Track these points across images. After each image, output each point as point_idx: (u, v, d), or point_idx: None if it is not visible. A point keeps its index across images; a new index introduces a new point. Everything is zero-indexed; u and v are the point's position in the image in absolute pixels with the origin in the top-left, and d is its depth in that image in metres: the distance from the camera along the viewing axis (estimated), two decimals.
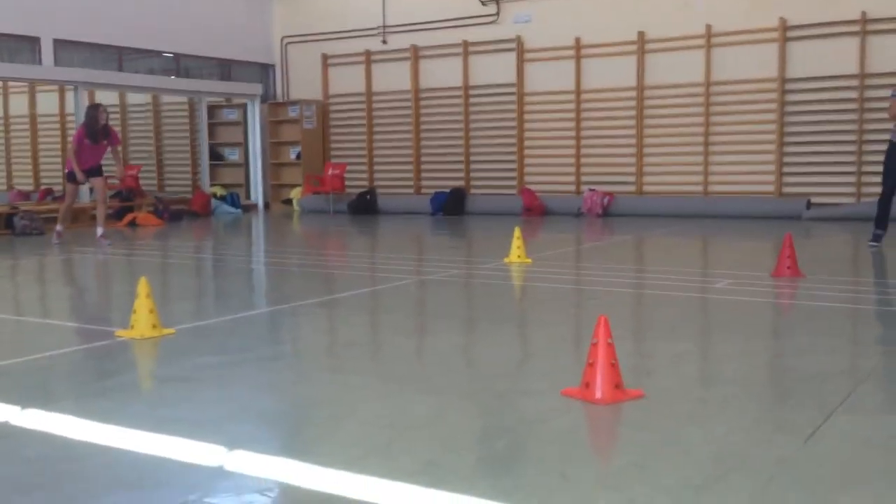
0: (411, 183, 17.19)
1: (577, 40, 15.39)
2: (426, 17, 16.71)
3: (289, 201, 17.96)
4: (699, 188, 14.74)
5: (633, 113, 15.12)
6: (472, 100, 16.54)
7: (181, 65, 17.41)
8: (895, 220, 10.08)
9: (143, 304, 5.23)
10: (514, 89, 16.04)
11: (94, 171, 11.31)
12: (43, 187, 17.50)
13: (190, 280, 8.70)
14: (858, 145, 13.52)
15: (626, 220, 13.96)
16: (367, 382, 4.26)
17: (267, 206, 18.19)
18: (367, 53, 17.44)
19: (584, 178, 15.59)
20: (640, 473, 2.95)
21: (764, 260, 8.72)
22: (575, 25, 15.39)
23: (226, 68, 18.13)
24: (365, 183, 17.54)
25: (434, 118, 16.98)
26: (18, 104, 19.16)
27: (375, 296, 7.12)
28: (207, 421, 3.61)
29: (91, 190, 12.92)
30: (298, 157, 17.89)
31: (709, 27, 14.35)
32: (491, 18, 16.15)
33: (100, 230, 11.25)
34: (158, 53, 16.95)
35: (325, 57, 17.94)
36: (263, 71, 18.74)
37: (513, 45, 15.98)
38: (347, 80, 17.77)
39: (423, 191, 16.94)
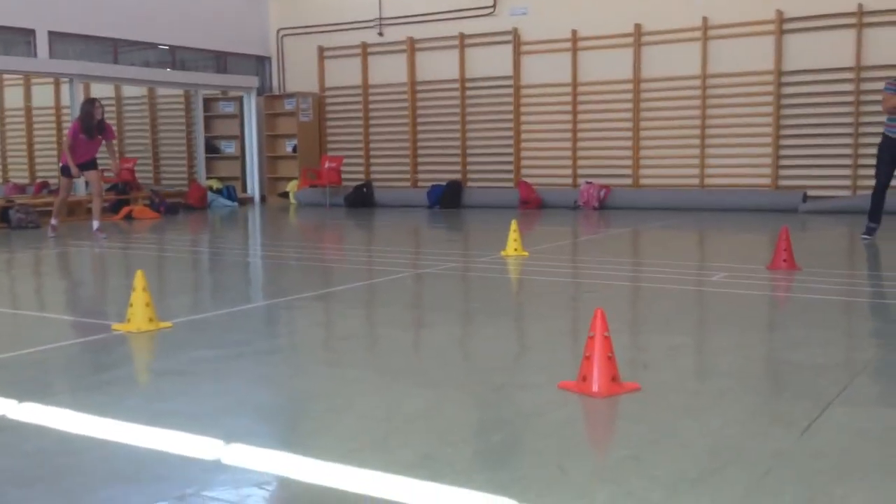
0: (408, 176, 17.19)
1: (574, 33, 15.37)
2: (422, 9, 16.69)
3: (285, 194, 17.94)
4: (695, 181, 14.75)
5: (629, 106, 15.12)
6: (468, 92, 16.52)
7: (177, 57, 17.37)
8: (889, 213, 10.10)
9: (139, 298, 5.22)
10: (510, 82, 16.03)
11: (89, 165, 11.29)
12: (39, 180, 17.46)
13: (186, 273, 8.69)
14: (855, 138, 13.54)
15: (622, 213, 13.97)
16: (364, 376, 4.26)
17: (263, 199, 18.18)
18: (364, 46, 17.41)
19: (580, 171, 15.59)
20: (636, 466, 2.96)
21: (760, 253, 8.73)
22: (571, 18, 15.37)
23: (222, 61, 18.09)
24: (361, 176, 17.53)
25: (430, 111, 16.96)
26: (14, 97, 19.11)
27: (372, 289, 7.12)
28: (204, 414, 3.62)
29: (87, 183, 12.90)
30: (295, 150, 17.87)
31: (705, 19, 14.34)
32: (487, 11, 16.12)
33: (96, 223, 11.24)
34: (154, 46, 16.90)
35: (321, 49, 17.91)
36: (259, 63, 18.70)
37: (509, 38, 15.96)
38: (344, 73, 17.75)
39: (420, 184, 16.94)
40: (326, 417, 3.60)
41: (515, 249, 8.61)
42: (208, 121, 18.20)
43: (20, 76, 17.76)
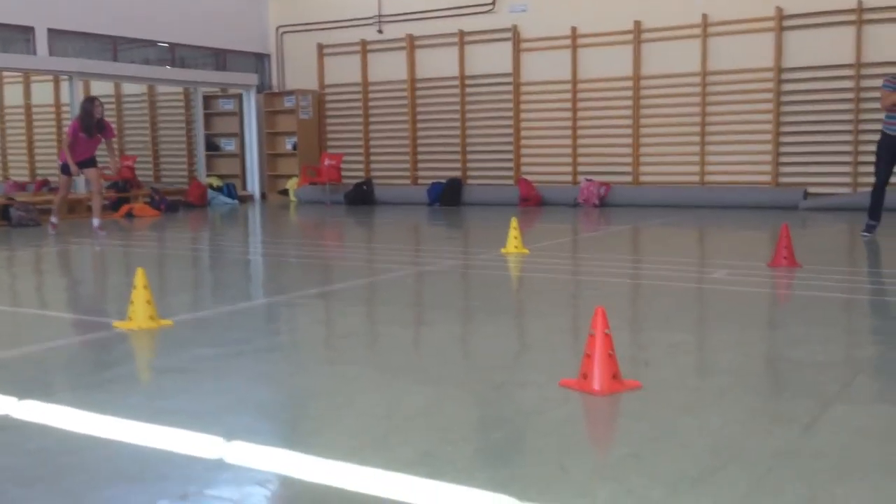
0: (408, 173, 17.18)
1: (574, 30, 15.36)
2: (422, 6, 16.67)
3: (285, 192, 17.94)
4: (696, 178, 14.74)
5: (629, 103, 15.11)
6: (468, 90, 16.51)
7: (176, 55, 17.36)
8: (890, 210, 10.09)
9: (140, 296, 5.22)
10: (510, 79, 16.02)
11: (88, 163, 11.29)
12: (39, 178, 17.46)
13: (187, 271, 8.69)
14: (855, 135, 13.53)
15: (622, 211, 13.97)
16: (364, 373, 4.26)
17: (263, 196, 18.18)
18: (363, 43, 17.39)
19: (580, 169, 15.59)
20: (637, 464, 2.96)
21: (760, 250, 8.74)
22: (571, 15, 15.36)
23: (221, 58, 18.08)
24: (361, 173, 17.53)
25: (430, 108, 16.95)
26: (13, 94, 19.11)
27: (372, 287, 7.13)
28: (206, 412, 3.62)
29: (86, 181, 12.90)
30: (295, 147, 17.86)
31: (705, 16, 14.33)
32: (487, 8, 16.11)
33: (96, 221, 11.24)
34: (154, 43, 16.90)
35: (320, 46, 17.90)
36: (259, 61, 18.69)
37: (509, 35, 15.95)
38: (343, 70, 17.74)
39: (420, 181, 16.94)
40: (327, 415, 3.60)
41: (516, 247, 8.61)
42: (208, 118, 18.20)
43: (20, 74, 17.75)
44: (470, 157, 16.65)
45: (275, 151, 18.28)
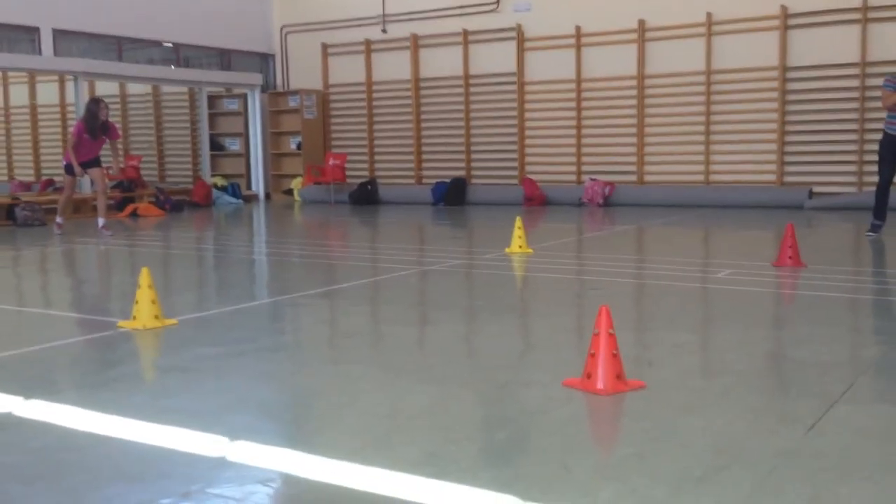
0: (412, 173, 17.19)
1: (578, 29, 15.35)
2: (426, 5, 16.67)
3: (290, 191, 17.95)
4: (700, 177, 14.72)
5: (633, 102, 15.09)
6: (472, 89, 16.51)
7: (181, 55, 17.38)
8: (895, 209, 10.07)
9: (145, 295, 5.23)
10: (514, 78, 16.01)
11: (92, 163, 11.32)
12: (44, 178, 17.50)
13: (192, 271, 8.70)
14: (860, 134, 13.50)
15: (627, 210, 13.95)
16: (367, 373, 4.26)
17: (268, 196, 18.19)
18: (367, 43, 17.40)
19: (584, 168, 15.58)
20: (640, 464, 2.95)
21: (765, 250, 8.72)
22: (575, 14, 15.35)
23: (226, 58, 18.10)
24: (366, 173, 17.53)
25: (434, 108, 16.95)
26: (18, 94, 19.16)
27: (376, 286, 7.13)
28: (209, 411, 3.62)
29: (91, 181, 12.92)
30: (299, 147, 17.88)
31: (709, 15, 14.31)
32: (491, 7, 16.11)
33: (101, 221, 11.27)
34: (158, 43, 16.92)
35: (324, 46, 17.91)
36: (263, 61, 18.71)
37: (513, 34, 15.94)
38: (347, 70, 17.75)
39: (424, 181, 16.94)
40: (330, 414, 3.60)
41: (520, 246, 8.61)
42: (213, 118, 18.22)
43: (25, 74, 17.79)
44: (474, 156, 16.64)
45: (279, 151, 18.30)
